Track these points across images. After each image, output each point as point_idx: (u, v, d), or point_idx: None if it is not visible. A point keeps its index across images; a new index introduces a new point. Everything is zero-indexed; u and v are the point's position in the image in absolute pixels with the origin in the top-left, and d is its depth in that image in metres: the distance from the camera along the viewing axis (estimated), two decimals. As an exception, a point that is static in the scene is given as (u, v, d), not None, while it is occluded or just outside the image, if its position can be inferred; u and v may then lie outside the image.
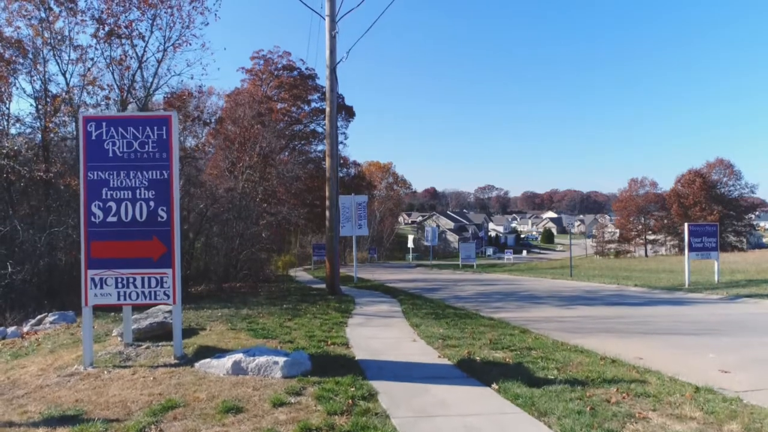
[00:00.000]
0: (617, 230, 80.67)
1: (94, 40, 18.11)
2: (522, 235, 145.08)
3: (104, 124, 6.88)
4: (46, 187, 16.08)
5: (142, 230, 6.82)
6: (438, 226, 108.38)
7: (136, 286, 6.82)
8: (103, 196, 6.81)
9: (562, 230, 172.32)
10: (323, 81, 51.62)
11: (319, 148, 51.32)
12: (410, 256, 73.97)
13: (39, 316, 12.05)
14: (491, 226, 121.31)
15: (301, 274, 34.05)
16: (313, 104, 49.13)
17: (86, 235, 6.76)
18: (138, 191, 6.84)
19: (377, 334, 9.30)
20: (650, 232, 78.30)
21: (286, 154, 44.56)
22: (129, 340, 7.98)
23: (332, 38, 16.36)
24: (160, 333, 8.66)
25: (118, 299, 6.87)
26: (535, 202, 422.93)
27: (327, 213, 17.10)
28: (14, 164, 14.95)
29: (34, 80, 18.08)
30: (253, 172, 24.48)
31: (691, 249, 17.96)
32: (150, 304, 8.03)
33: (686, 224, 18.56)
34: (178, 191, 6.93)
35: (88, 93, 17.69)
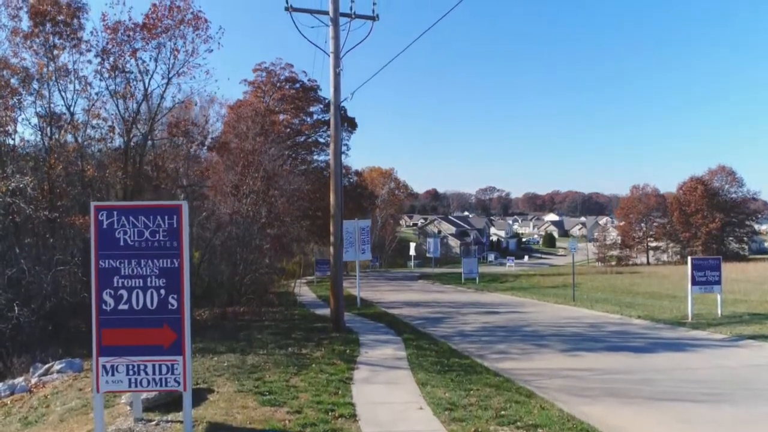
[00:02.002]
0: (619, 237, 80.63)
1: (98, 75, 18.17)
2: (524, 239, 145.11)
3: (115, 213, 6.95)
4: (51, 223, 16.16)
5: (152, 318, 6.90)
6: (440, 231, 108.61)
7: (147, 373, 6.89)
8: (115, 284, 6.88)
9: (564, 233, 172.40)
10: (326, 92, 51.65)
11: (321, 158, 51.39)
12: (412, 263, 74.09)
13: (46, 366, 12.14)
14: (493, 230, 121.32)
15: (304, 291, 34.14)
16: (316, 116, 49.22)
17: (98, 323, 6.83)
18: (149, 279, 6.91)
19: (384, 396, 9.37)
20: (651, 239, 78.30)
21: (288, 163, 44.57)
22: (139, 414, 8.06)
23: (336, 75, 16.38)
24: (169, 401, 8.76)
25: (129, 386, 6.95)
26: (537, 203, 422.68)
27: (331, 249, 17.19)
28: (20, 202, 15.03)
29: (38, 111, 18.20)
30: (257, 195, 24.56)
31: (694, 283, 18.00)
32: (160, 391, 8.10)
33: (689, 258, 18.60)
34: (188, 279, 7.01)
35: (93, 127, 17.76)
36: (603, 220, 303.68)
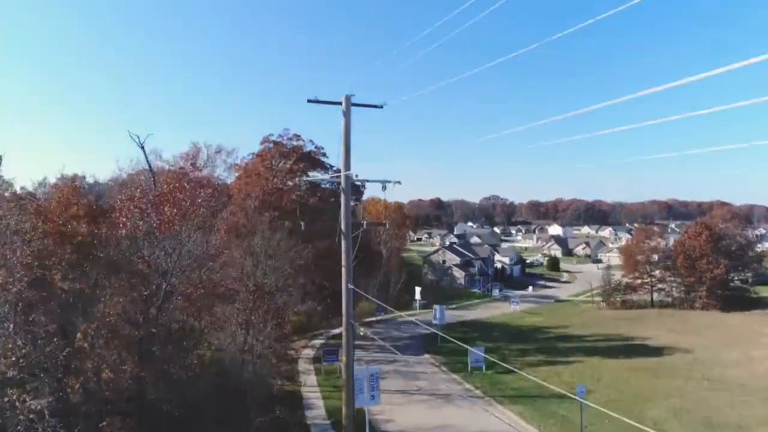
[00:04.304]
0: (624, 278, 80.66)
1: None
2: (528, 259, 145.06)
3: None
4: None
5: None
6: (444, 261, 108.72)
7: None
8: None
9: (568, 252, 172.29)
10: (333, 160, 52.15)
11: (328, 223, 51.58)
12: (418, 306, 73.97)
13: None
14: (497, 257, 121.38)
15: (310, 385, 34.32)
16: (323, 184, 49.47)
17: None
18: None
19: None
20: (655, 279, 78.36)
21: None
22: None
23: (347, 157, 17.38)
24: None
25: None
26: (540, 211, 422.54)
27: (343, 395, 17.43)
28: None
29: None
30: (265, 327, 24.88)
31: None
32: None
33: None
34: None
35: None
36: (606, 231, 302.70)
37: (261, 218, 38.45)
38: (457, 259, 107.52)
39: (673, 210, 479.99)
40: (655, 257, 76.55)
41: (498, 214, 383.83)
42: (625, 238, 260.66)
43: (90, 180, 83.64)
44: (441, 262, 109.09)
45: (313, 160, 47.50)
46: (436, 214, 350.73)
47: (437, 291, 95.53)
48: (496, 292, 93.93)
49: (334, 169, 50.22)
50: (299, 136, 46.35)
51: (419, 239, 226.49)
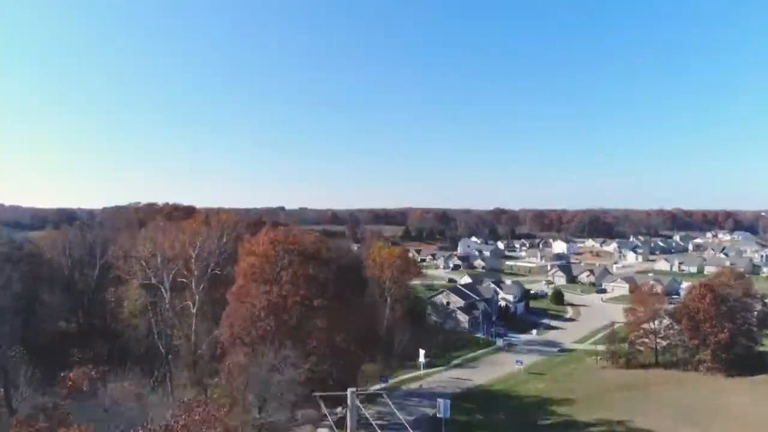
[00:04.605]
0: (628, 338, 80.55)
1: None
2: (532, 290, 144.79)
3: None
4: None
5: None
6: (448, 303, 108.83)
7: None
8: None
9: (572, 279, 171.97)
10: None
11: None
12: (422, 368, 74.02)
13: None
14: (501, 294, 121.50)
15: None
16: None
17: None
18: None
19: None
20: (660, 339, 78.25)
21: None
22: None
23: None
24: None
25: None
26: (544, 223, 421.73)
27: None
28: None
29: None
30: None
31: None
32: None
33: None
34: None
35: None
36: (611, 246, 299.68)
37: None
38: (461, 302, 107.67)
39: (678, 220, 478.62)
40: (657, 322, 76.54)
41: (503, 225, 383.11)
42: (630, 256, 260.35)
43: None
44: (445, 303, 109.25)
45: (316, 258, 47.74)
46: (441, 229, 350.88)
47: (442, 338, 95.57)
48: (499, 342, 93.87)
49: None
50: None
51: (423, 261, 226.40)
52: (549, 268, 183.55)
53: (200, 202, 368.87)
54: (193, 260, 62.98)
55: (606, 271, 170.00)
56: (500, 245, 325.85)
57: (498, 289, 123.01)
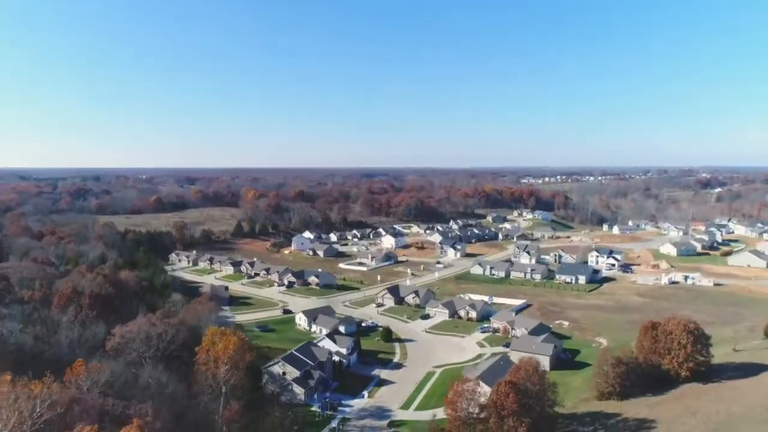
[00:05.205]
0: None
1: None
2: (363, 323, 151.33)
3: None
4: None
5: None
6: (284, 373, 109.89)
7: None
8: None
9: (399, 301, 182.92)
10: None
11: None
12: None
13: None
14: (335, 349, 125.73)
15: None
16: None
17: None
18: None
19: None
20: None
21: None
22: None
23: None
24: None
25: None
26: (374, 207, 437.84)
27: None
28: None
29: None
30: None
31: None
32: None
33: None
34: None
35: None
36: (434, 235, 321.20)
37: None
38: (296, 373, 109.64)
39: (491, 198, 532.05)
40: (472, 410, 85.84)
41: (335, 213, 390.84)
42: (450, 253, 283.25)
43: None
44: (281, 374, 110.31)
45: None
46: (275, 222, 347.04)
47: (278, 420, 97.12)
48: (333, 423, 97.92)
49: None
50: None
51: (257, 275, 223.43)
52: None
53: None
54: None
55: (430, 293, 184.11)
56: (333, 237, 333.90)
57: (333, 343, 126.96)
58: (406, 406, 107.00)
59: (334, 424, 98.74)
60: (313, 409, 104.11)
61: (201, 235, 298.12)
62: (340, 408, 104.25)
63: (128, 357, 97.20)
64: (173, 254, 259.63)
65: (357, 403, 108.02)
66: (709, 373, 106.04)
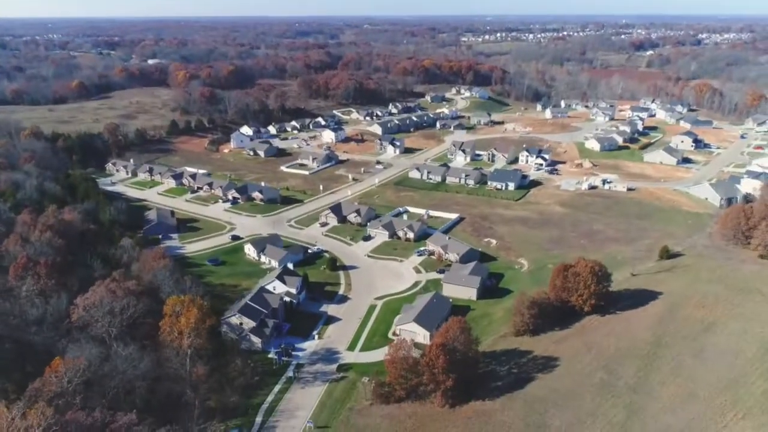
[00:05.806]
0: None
1: None
2: (309, 250, 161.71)
3: None
4: None
5: None
6: (241, 324, 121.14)
7: None
8: None
9: (342, 219, 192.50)
10: None
11: None
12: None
13: None
14: (286, 289, 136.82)
15: None
16: None
17: None
18: None
19: None
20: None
21: None
22: None
23: None
24: None
25: None
26: (312, 89, 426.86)
27: None
28: None
29: None
30: None
31: None
32: None
33: None
34: None
35: None
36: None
37: None
38: (252, 323, 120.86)
39: (429, 73, 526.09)
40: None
41: (273, 102, 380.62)
42: (389, 150, 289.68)
43: None
44: (239, 324, 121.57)
45: None
46: (210, 116, 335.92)
47: (239, 368, 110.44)
48: (289, 372, 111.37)
49: None
50: None
51: (200, 188, 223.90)
52: (322, 210, 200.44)
53: None
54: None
55: (371, 210, 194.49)
56: (272, 130, 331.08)
57: (283, 285, 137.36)
58: (351, 347, 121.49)
59: (290, 372, 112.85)
60: (270, 356, 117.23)
61: (135, 135, 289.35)
62: (293, 353, 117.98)
63: (93, 331, 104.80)
64: (110, 164, 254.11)
65: (308, 346, 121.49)
66: (607, 304, 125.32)
